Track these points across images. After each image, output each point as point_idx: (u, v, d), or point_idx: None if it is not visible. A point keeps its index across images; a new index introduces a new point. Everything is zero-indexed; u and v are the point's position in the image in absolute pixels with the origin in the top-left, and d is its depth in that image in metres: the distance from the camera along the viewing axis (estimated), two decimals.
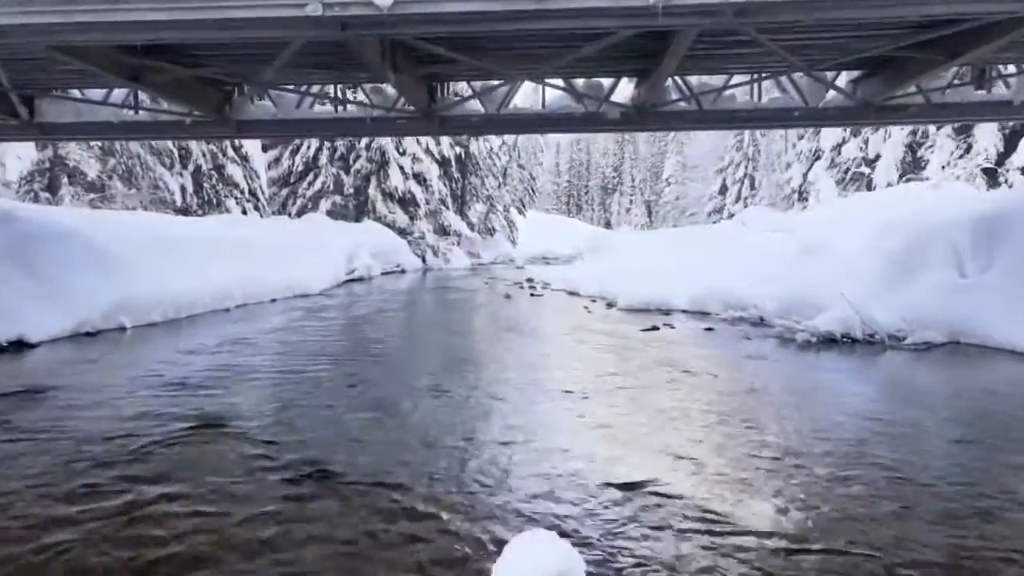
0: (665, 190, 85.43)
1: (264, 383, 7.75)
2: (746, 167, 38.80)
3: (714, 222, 41.13)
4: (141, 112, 10.39)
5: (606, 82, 9.65)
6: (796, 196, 31.31)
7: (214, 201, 25.23)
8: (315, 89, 10.29)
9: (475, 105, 10.00)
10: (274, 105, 10.19)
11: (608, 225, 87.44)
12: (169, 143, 22.01)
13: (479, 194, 40.61)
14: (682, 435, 5.67)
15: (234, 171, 25.80)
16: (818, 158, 30.35)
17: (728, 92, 9.70)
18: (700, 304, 14.55)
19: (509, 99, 9.89)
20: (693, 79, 9.84)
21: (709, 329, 12.00)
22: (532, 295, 18.90)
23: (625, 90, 10.02)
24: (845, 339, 10.27)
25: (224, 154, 25.48)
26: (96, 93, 10.49)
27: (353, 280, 24.16)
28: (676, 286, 15.40)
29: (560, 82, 9.56)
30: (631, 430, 5.84)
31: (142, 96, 10.39)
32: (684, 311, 14.66)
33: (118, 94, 10.44)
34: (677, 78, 9.56)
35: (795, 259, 13.69)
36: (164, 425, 5.89)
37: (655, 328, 11.97)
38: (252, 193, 27.21)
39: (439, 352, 9.83)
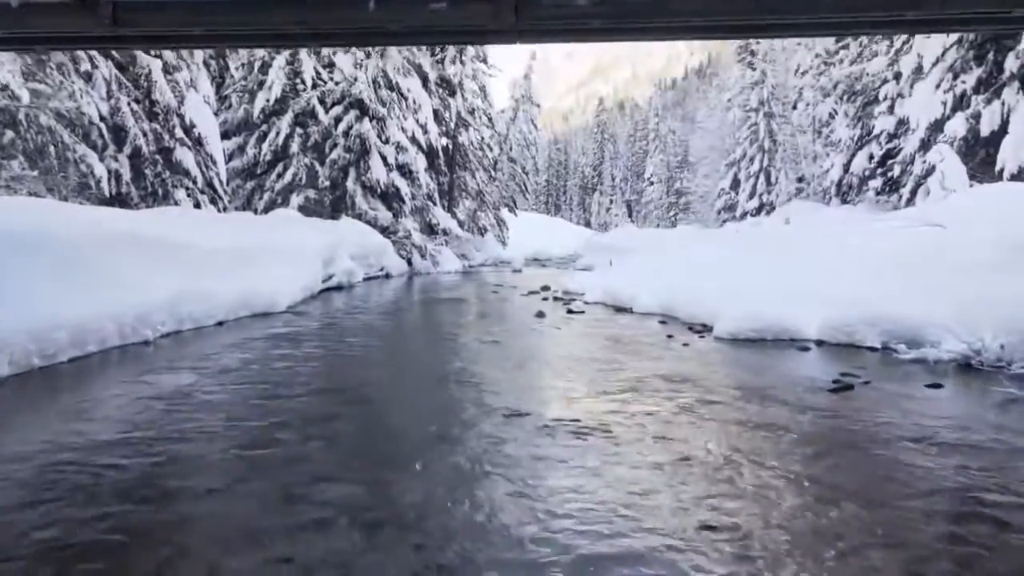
0: (647, 189, 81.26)
1: None
2: (761, 160, 34.00)
3: (724, 220, 36.38)
4: None
5: None
6: (835, 189, 26.64)
7: (159, 192, 19.77)
8: None
9: None
10: None
11: (588, 225, 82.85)
12: (94, 115, 16.58)
13: (468, 189, 35.39)
14: None
15: (184, 156, 20.34)
16: (861, 147, 25.78)
17: None
18: (845, 332, 9.58)
19: None
20: None
21: (935, 386, 7.00)
22: (570, 312, 13.80)
23: None
24: None
25: (172, 135, 20.01)
26: None
27: (331, 288, 18.90)
28: (791, 305, 10.44)
29: None
30: None
31: None
32: (819, 342, 9.70)
33: None
34: None
35: (1008, 268, 8.76)
36: None
37: (844, 386, 6.94)
38: (209, 184, 21.75)
39: (492, 470, 4.77)
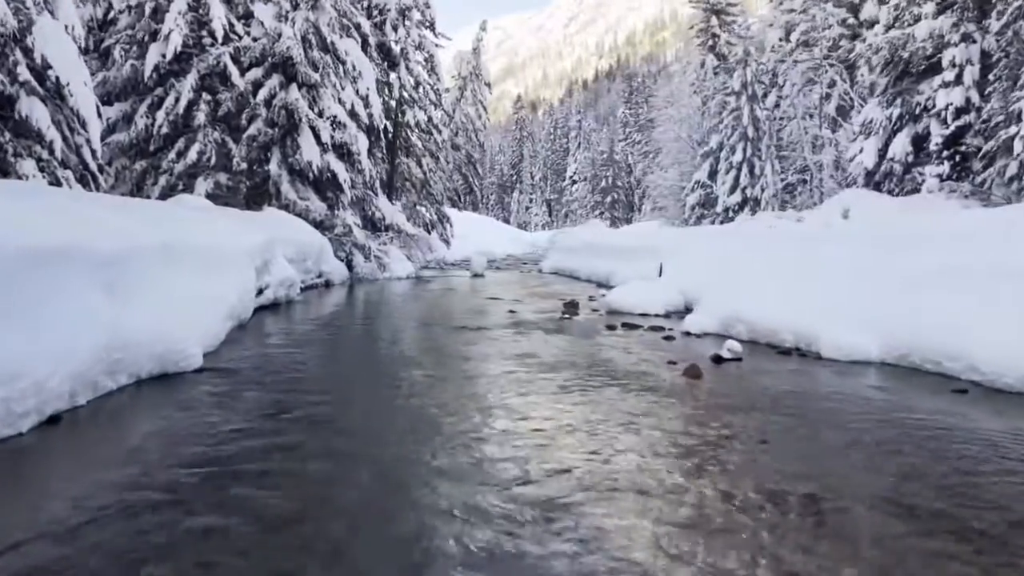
0: (571, 188, 76.33)
1: None
2: (744, 150, 28.80)
3: (700, 217, 31.07)
4: None
5: None
6: (864, 178, 21.55)
7: None
8: None
9: None
10: None
11: (507, 222, 77.15)
12: None
13: (412, 179, 28.68)
14: None
15: (36, 111, 12.90)
16: (899, 129, 20.79)
17: None
18: None
19: None
20: None
21: None
22: (719, 360, 7.55)
23: None
24: None
25: (12, 78, 12.56)
26: None
27: (264, 307, 12.07)
28: None
29: None
30: None
31: None
32: None
33: None
34: None
35: None
36: None
37: None
38: (78, 155, 14.26)
39: None
